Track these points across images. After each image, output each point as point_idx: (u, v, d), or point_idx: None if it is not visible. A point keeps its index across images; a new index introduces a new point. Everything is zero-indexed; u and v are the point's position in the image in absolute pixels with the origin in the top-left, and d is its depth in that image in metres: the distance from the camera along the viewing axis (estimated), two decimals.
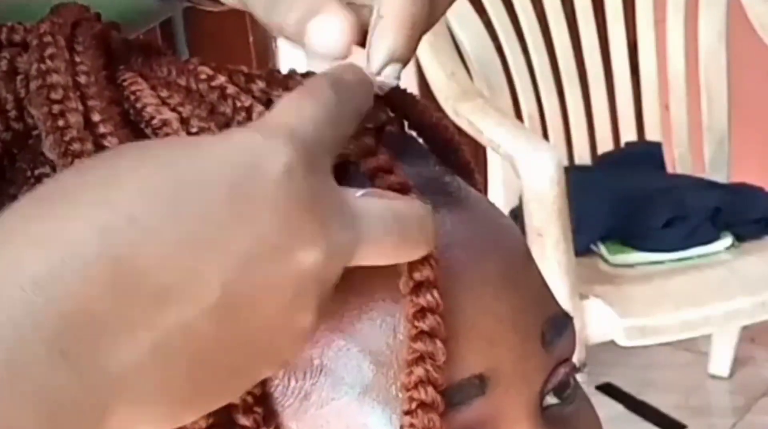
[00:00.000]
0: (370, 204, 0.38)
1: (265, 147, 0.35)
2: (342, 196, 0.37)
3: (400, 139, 0.46)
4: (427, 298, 0.40)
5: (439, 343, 0.40)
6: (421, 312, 0.40)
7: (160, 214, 0.33)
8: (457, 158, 0.49)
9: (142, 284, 0.33)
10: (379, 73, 0.44)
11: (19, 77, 0.45)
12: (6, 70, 0.45)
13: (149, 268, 0.33)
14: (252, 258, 0.34)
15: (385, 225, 0.38)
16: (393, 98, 0.47)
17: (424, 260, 0.40)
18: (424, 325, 0.40)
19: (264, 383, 0.41)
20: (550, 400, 0.45)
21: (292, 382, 0.41)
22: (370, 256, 0.38)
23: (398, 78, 0.44)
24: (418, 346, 0.40)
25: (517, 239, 0.47)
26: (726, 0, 2.10)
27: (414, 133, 0.48)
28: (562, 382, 0.45)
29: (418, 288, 0.40)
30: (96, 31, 0.46)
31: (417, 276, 0.40)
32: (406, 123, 0.48)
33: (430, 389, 0.40)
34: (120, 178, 0.34)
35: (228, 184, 0.34)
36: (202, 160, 0.35)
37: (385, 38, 0.43)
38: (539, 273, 0.47)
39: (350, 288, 0.40)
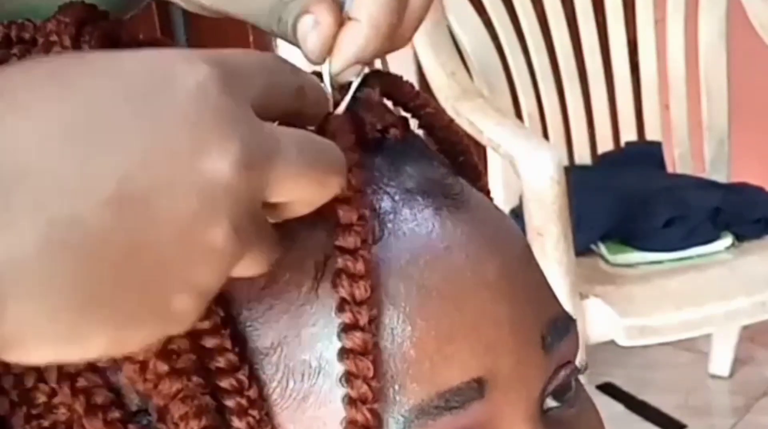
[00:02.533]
0: (286, 129, 0.38)
1: (181, 63, 0.35)
2: (257, 119, 0.36)
3: (403, 140, 0.46)
4: (348, 316, 0.41)
5: (366, 362, 0.40)
6: (346, 328, 0.41)
7: (58, 111, 0.33)
8: (465, 160, 0.49)
9: (29, 173, 0.32)
10: (339, 73, 0.45)
11: None
12: None
13: (38, 159, 0.32)
14: (151, 156, 0.33)
15: (301, 146, 0.37)
16: (404, 98, 0.48)
17: (353, 276, 0.40)
18: (348, 343, 0.40)
19: (260, 386, 0.41)
20: (551, 402, 0.45)
21: (290, 384, 0.41)
22: (287, 179, 0.36)
23: (360, 74, 0.45)
24: (344, 364, 0.40)
25: (518, 241, 0.46)
26: (726, 0, 2.10)
27: (423, 133, 0.49)
28: (563, 384, 0.45)
29: (342, 304, 0.41)
30: (103, 31, 0.46)
31: (342, 292, 0.41)
32: (416, 123, 0.48)
33: (364, 408, 0.40)
34: (34, 83, 0.34)
35: (136, 88, 0.34)
36: (117, 68, 0.35)
37: (355, 42, 0.44)
38: (541, 274, 0.47)
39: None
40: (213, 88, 0.35)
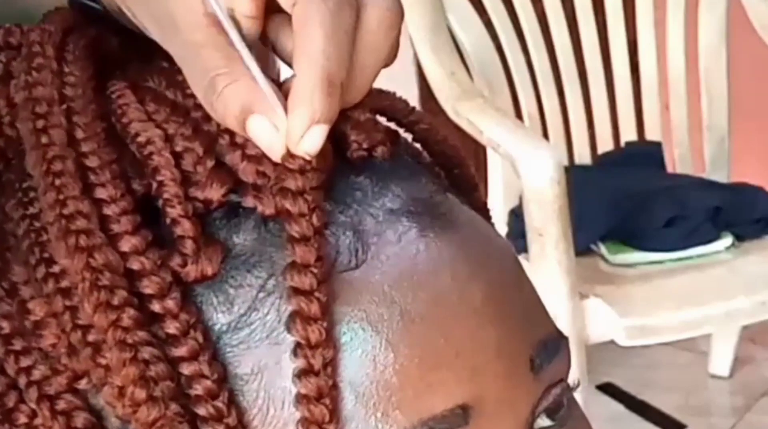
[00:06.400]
0: None
1: None
2: None
3: (391, 158, 0.44)
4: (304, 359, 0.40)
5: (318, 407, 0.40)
6: (300, 373, 0.40)
7: None
8: (461, 173, 0.48)
9: None
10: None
11: (13, 82, 0.44)
12: (1, 74, 0.45)
13: None
14: None
15: None
16: (398, 114, 0.47)
17: (308, 319, 0.40)
18: (303, 389, 0.40)
19: (240, 413, 0.40)
20: (543, 422, 0.44)
21: (271, 411, 0.41)
22: None
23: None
24: (299, 410, 0.40)
25: (508, 260, 0.45)
26: (726, 0, 2.10)
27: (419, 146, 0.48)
28: (555, 403, 0.44)
29: (296, 349, 0.40)
30: (88, 39, 0.46)
31: (295, 336, 0.40)
32: (410, 136, 0.47)
33: None
34: None
35: None
36: None
37: (300, 101, 0.40)
38: (532, 293, 0.45)
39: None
40: None
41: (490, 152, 1.88)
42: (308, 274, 0.40)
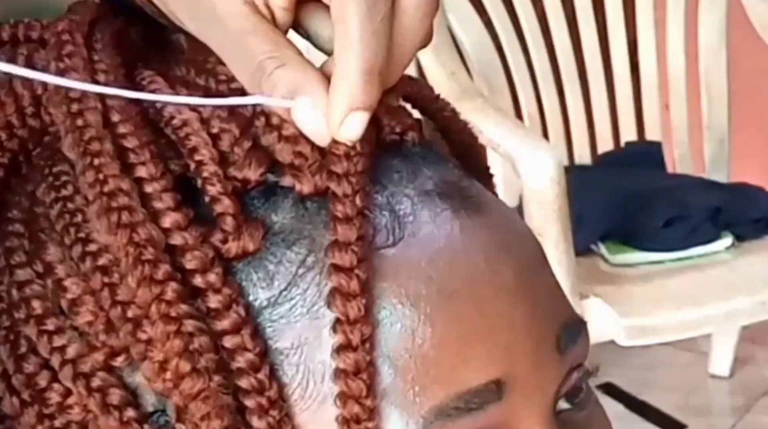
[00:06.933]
0: None
1: None
2: None
3: (421, 144, 0.46)
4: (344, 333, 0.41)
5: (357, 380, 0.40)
6: (339, 349, 0.41)
7: None
8: (478, 164, 0.49)
9: None
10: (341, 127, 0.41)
11: None
12: (23, 66, 0.45)
13: None
14: None
15: None
16: (424, 101, 0.48)
17: (347, 295, 0.40)
18: (341, 363, 0.41)
19: (281, 386, 0.41)
20: (563, 405, 0.45)
21: (311, 385, 0.41)
22: None
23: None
24: (337, 385, 0.41)
25: (533, 244, 0.46)
26: (726, 0, 2.10)
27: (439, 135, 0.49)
28: (575, 387, 0.45)
29: (335, 324, 0.41)
30: (114, 29, 0.46)
31: (335, 311, 0.41)
32: (433, 124, 0.48)
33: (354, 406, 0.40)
34: None
35: None
36: None
37: (340, 89, 0.41)
38: (553, 277, 0.47)
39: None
40: None
41: (490, 152, 1.88)
42: (349, 252, 0.41)
